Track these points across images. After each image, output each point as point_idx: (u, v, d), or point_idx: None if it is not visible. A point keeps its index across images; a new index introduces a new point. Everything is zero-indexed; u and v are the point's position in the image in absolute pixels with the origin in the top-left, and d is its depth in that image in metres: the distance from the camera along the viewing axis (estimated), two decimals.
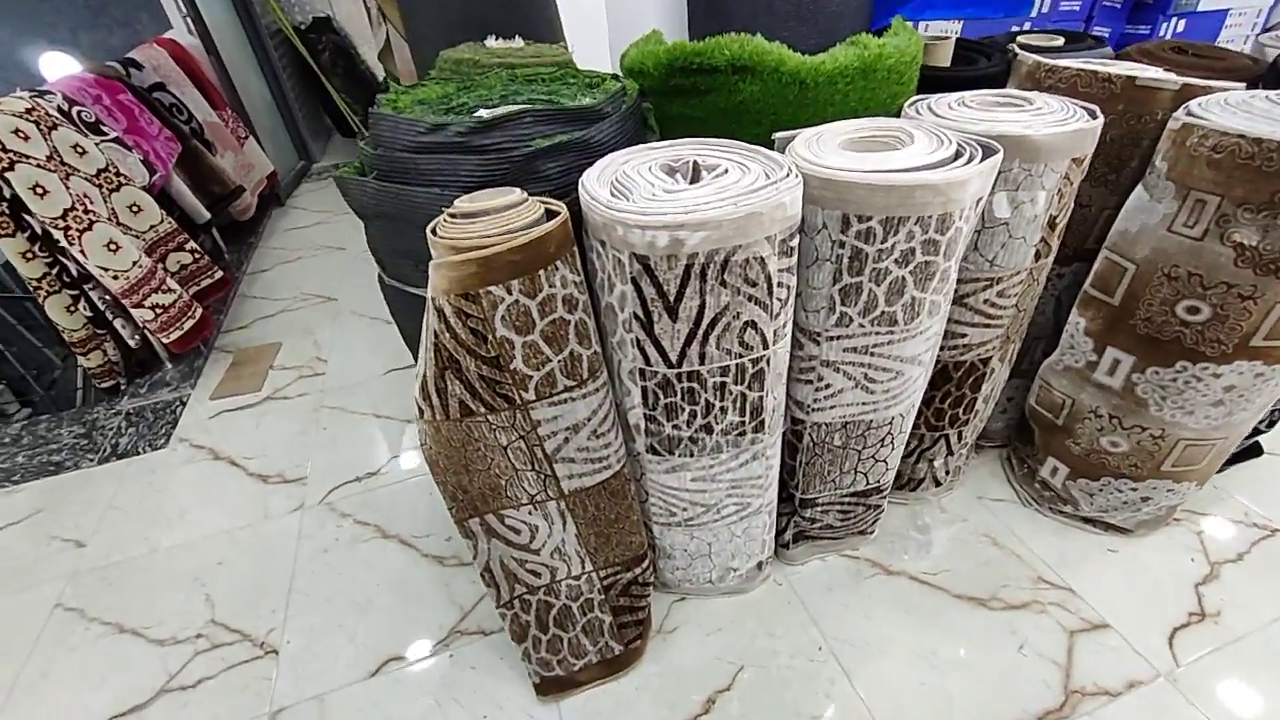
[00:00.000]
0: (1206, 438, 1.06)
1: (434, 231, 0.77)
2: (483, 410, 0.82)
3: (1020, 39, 1.34)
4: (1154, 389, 1.03)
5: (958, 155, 0.81)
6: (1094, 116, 0.90)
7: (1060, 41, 1.31)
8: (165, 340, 1.78)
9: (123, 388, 1.86)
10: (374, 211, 0.99)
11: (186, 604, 1.21)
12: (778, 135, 0.92)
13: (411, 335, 1.18)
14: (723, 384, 0.86)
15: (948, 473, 1.31)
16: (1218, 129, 0.85)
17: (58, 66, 2.30)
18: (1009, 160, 0.87)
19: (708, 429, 0.91)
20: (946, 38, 1.21)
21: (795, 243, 0.80)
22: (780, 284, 0.80)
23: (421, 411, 0.83)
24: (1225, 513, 1.28)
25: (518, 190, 0.79)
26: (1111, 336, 1.06)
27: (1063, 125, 0.88)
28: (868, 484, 1.12)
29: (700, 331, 0.80)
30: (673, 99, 1.03)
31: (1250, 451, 1.36)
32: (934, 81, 1.10)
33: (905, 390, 0.98)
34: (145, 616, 1.20)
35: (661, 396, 0.87)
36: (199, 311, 1.86)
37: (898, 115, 1.01)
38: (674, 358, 0.82)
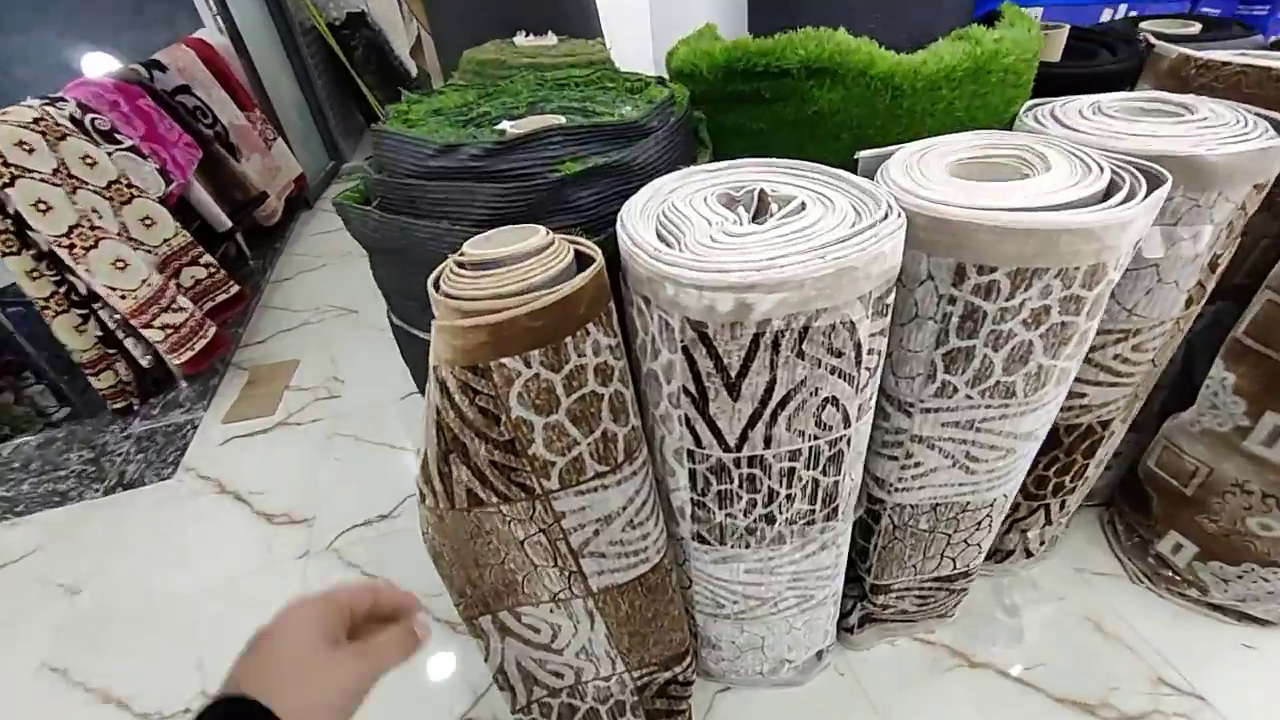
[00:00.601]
0: None
1: (436, 285, 0.62)
2: (495, 500, 0.67)
3: (1145, 26, 1.12)
4: None
5: (1112, 187, 0.62)
6: None
7: (1196, 28, 1.08)
8: (176, 362, 1.69)
9: (136, 408, 1.78)
10: (377, 245, 0.85)
11: (177, 670, 1.11)
12: (863, 155, 0.75)
13: (422, 380, 1.04)
14: (791, 469, 0.69)
15: (1042, 543, 1.11)
16: None
17: (97, 67, 2.24)
18: (1170, 188, 0.68)
19: (769, 519, 0.74)
20: (1059, 26, 1.00)
21: (892, 299, 0.62)
22: (870, 350, 0.63)
23: (423, 497, 0.69)
24: None
25: (542, 230, 0.63)
26: (1273, 400, 0.85)
27: (1243, 142, 0.67)
28: (954, 569, 0.94)
29: (767, 412, 0.63)
30: (730, 108, 0.86)
31: None
32: (1046, 81, 0.90)
33: (1013, 469, 0.80)
34: (132, 683, 1.10)
35: (714, 482, 0.71)
36: (212, 330, 1.77)
37: (1011, 127, 0.82)
38: (732, 440, 0.66)
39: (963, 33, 0.77)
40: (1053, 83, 0.92)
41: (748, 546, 0.78)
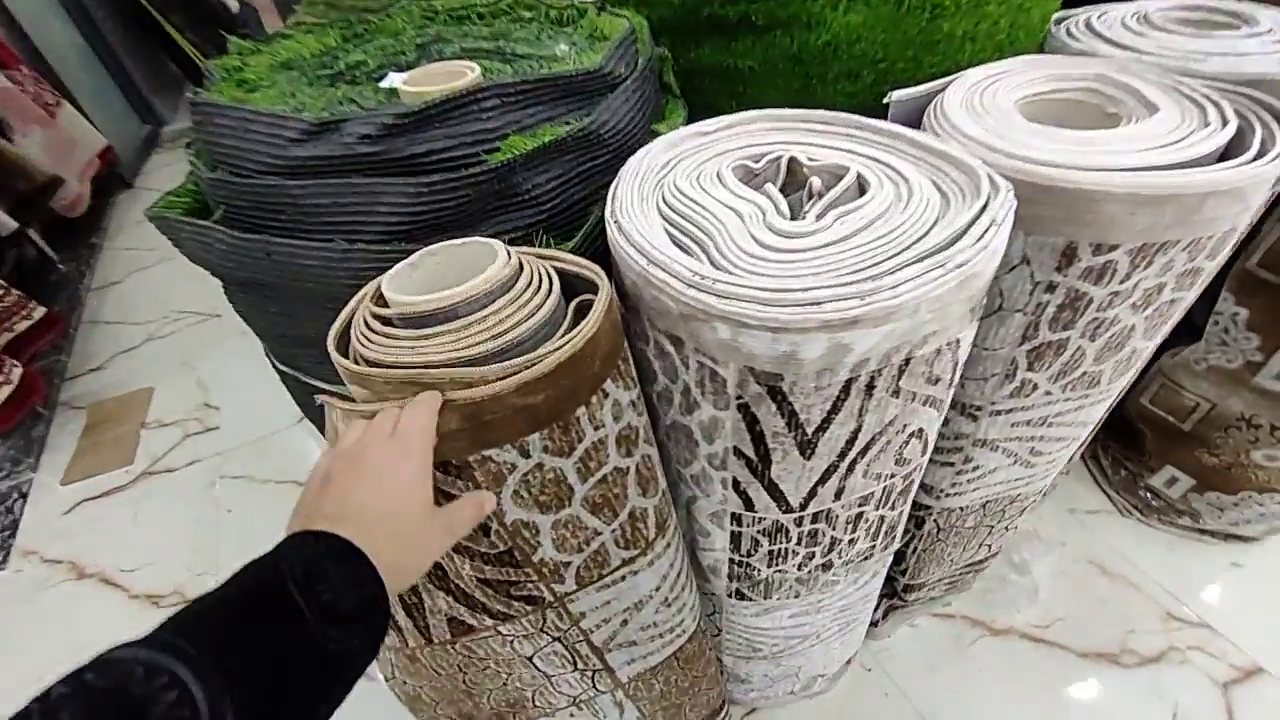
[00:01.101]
0: None
1: (344, 348, 0.40)
2: (490, 622, 0.48)
3: None
4: None
5: (1241, 131, 0.48)
6: None
7: None
8: None
9: None
10: (233, 276, 0.58)
11: None
12: (897, 96, 0.57)
13: (321, 422, 0.79)
14: (859, 515, 0.55)
15: (1044, 494, 1.07)
16: None
17: None
18: None
19: (826, 566, 0.60)
20: None
21: (985, 296, 0.47)
22: (962, 363, 0.48)
23: None
24: None
25: (500, 249, 0.41)
26: None
27: None
28: (989, 553, 0.86)
29: (844, 464, 0.47)
30: (705, 41, 0.65)
31: None
32: None
33: (1072, 452, 0.70)
34: None
35: (764, 543, 0.55)
36: (16, 372, 1.35)
37: (1043, 48, 0.67)
38: (796, 502, 0.50)
39: None
40: None
41: (797, 596, 0.64)
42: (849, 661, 0.91)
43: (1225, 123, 0.48)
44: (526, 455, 0.39)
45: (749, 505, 0.51)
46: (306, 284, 0.52)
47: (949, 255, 0.38)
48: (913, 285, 0.37)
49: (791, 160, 0.50)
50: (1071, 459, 1.02)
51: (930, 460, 0.68)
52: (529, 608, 0.48)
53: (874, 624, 0.95)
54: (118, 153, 2.44)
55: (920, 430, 0.49)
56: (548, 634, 0.52)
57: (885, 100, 0.58)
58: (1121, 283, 0.49)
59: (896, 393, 0.43)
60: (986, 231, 0.40)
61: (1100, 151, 0.47)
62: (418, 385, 0.36)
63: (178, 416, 1.51)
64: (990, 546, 0.85)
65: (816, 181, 0.48)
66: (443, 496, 0.39)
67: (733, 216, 0.45)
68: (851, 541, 0.58)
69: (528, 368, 0.35)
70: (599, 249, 0.50)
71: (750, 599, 0.64)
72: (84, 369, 1.68)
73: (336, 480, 0.33)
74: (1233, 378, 0.88)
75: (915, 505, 0.74)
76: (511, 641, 0.51)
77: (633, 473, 0.45)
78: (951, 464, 0.66)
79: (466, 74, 0.60)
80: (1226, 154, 0.47)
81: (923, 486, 0.71)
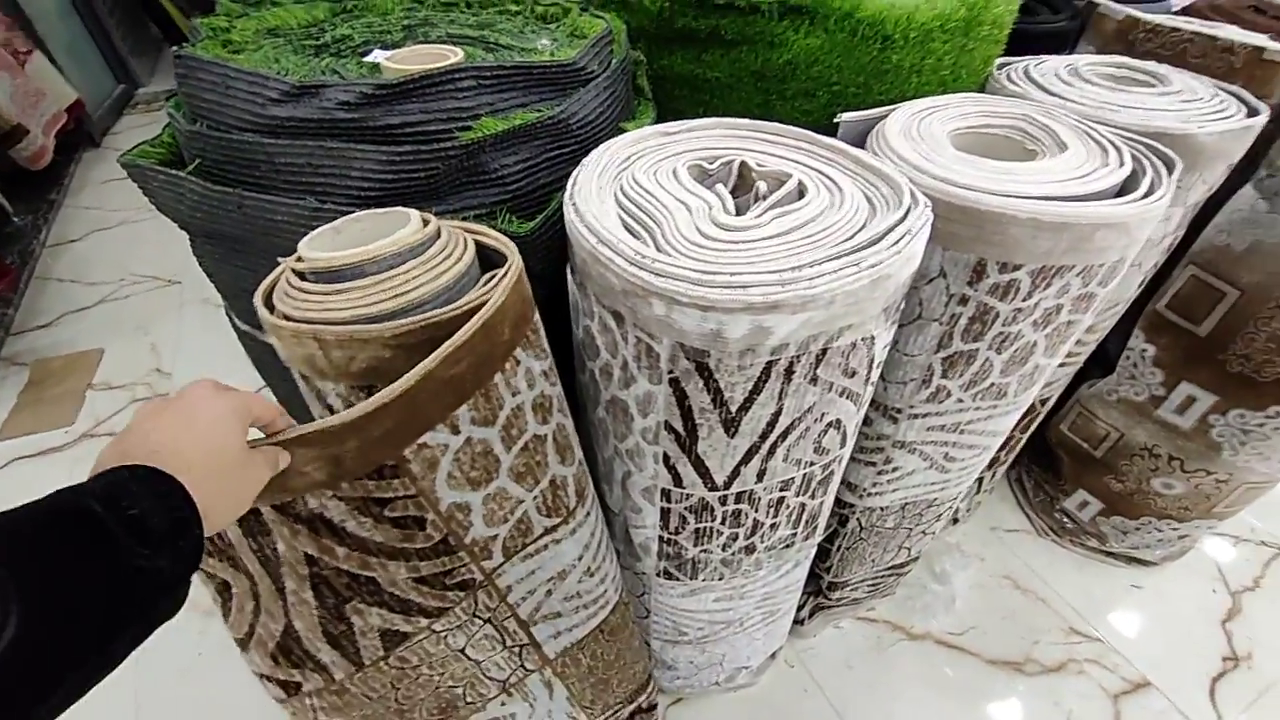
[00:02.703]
0: (1271, 480, 0.93)
1: (270, 305, 0.42)
2: (425, 623, 0.50)
3: None
4: (1234, 433, 0.88)
5: (1134, 174, 0.55)
6: (1253, 112, 0.67)
7: None
8: None
9: None
10: (201, 228, 0.60)
11: None
12: (846, 117, 0.62)
13: (285, 396, 0.80)
14: (780, 499, 0.59)
15: (968, 509, 1.13)
16: None
17: None
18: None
19: (749, 549, 0.64)
20: None
21: (903, 303, 0.52)
22: (880, 362, 0.53)
23: (294, 688, 0.50)
24: (1234, 529, 1.21)
25: (415, 216, 0.45)
26: (1189, 371, 0.88)
27: (1224, 120, 0.64)
28: (909, 557, 0.92)
29: (766, 445, 0.51)
30: (678, 49, 0.69)
31: None
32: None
33: (982, 463, 0.76)
34: None
35: (691, 520, 0.59)
36: None
37: (984, 87, 0.73)
38: (721, 479, 0.54)
39: None
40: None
41: (721, 578, 0.68)
42: (773, 656, 0.95)
43: (1122, 164, 0.54)
44: (457, 431, 0.41)
45: (678, 481, 0.55)
46: (275, 239, 0.54)
47: (864, 256, 0.43)
48: (829, 279, 0.41)
49: (742, 164, 0.55)
50: (995, 475, 1.09)
51: (854, 459, 0.73)
52: (462, 594, 0.50)
53: (800, 623, 0.99)
54: (88, 110, 2.38)
55: (838, 421, 0.54)
56: (479, 618, 0.53)
57: (836, 120, 0.63)
58: (1024, 300, 0.54)
59: (814, 380, 0.48)
60: (901, 239, 0.44)
61: (1013, 181, 0.52)
62: (319, 341, 0.38)
63: (127, 380, 1.48)
64: (910, 550, 0.90)
65: (762, 185, 0.53)
66: (376, 506, 0.41)
67: (682, 209, 0.49)
68: (773, 526, 0.62)
69: (459, 339, 0.37)
70: (558, 232, 0.53)
71: (677, 578, 0.68)
72: (31, 325, 1.63)
73: (142, 423, 0.31)
74: (1139, 410, 0.96)
75: (840, 503, 0.79)
76: (445, 637, 0.52)
77: (550, 440, 0.48)
78: (874, 463, 0.71)
79: (449, 57, 0.63)
80: (1122, 192, 0.54)
81: (847, 485, 0.76)
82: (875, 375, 0.54)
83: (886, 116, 0.61)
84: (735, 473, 0.53)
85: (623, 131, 0.63)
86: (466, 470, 0.43)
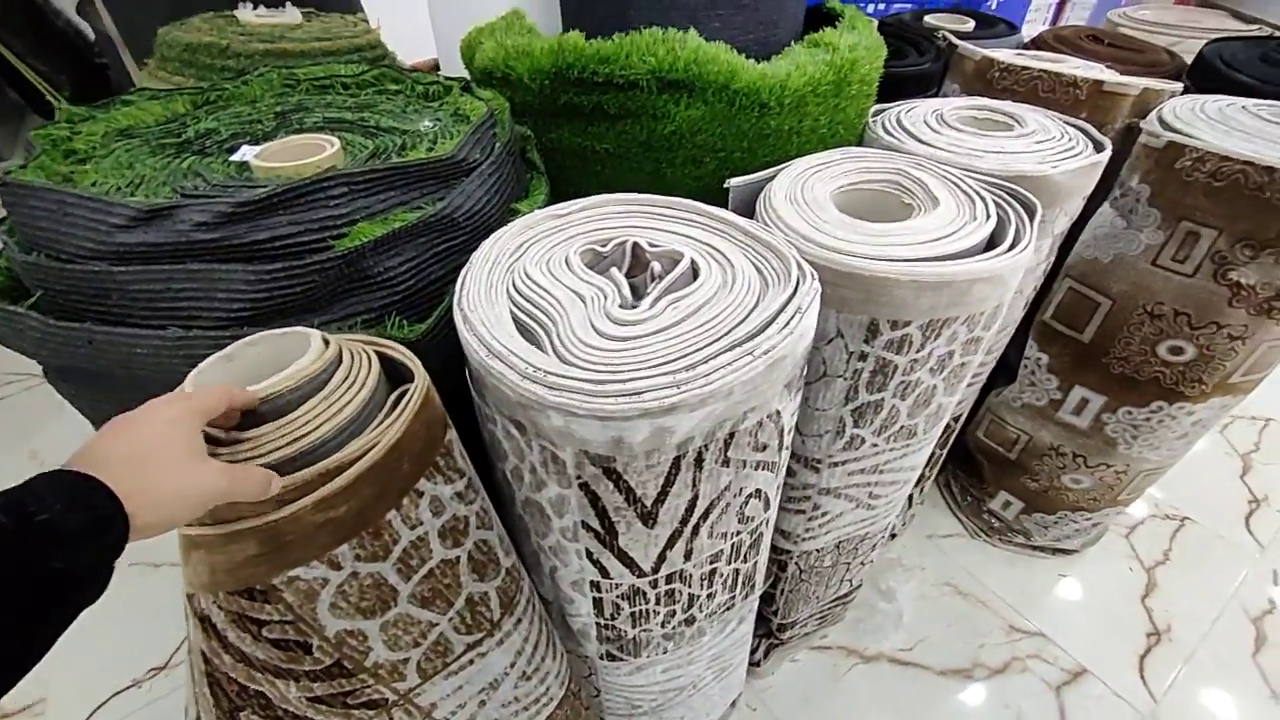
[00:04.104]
0: (1162, 466, 1.01)
1: None
2: None
3: (929, 20, 1.17)
4: (1125, 428, 0.94)
5: (1000, 223, 0.58)
6: (1097, 143, 0.73)
7: (971, 25, 1.15)
8: None
9: None
10: (53, 364, 0.54)
11: None
12: (734, 183, 0.63)
13: None
14: (713, 571, 0.58)
15: (904, 524, 1.17)
16: (1217, 152, 0.72)
17: None
18: None
19: (689, 620, 0.63)
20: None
21: (804, 368, 0.53)
22: (790, 429, 0.53)
23: None
24: (1140, 508, 1.30)
25: (315, 338, 0.42)
26: (1080, 375, 0.95)
27: (1075, 158, 0.69)
28: (851, 587, 0.93)
29: (688, 529, 0.51)
30: (565, 123, 0.69)
31: None
32: None
33: (906, 492, 0.78)
34: None
35: (625, 606, 0.58)
36: None
37: (861, 140, 0.77)
38: (648, 566, 0.53)
39: (816, 38, 0.69)
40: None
41: (666, 652, 0.66)
42: (733, 704, 0.94)
43: (989, 217, 0.57)
44: (338, 567, 0.39)
45: (605, 574, 0.53)
46: (138, 372, 0.50)
47: (758, 343, 0.43)
48: (724, 372, 0.41)
49: (635, 245, 0.54)
50: (923, 490, 1.12)
51: (784, 510, 0.73)
52: (372, 712, 0.47)
53: (756, 664, 0.99)
54: None
55: (758, 491, 0.54)
56: None
57: (725, 185, 0.64)
58: (918, 352, 0.56)
59: (726, 463, 0.47)
60: (791, 319, 0.45)
61: (893, 243, 0.54)
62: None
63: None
64: (851, 581, 0.92)
65: (656, 266, 0.53)
66: (253, 625, 0.38)
67: (576, 303, 0.48)
68: (710, 595, 0.61)
69: (328, 487, 0.35)
70: (453, 330, 0.51)
71: (621, 659, 0.66)
72: None
73: (96, 436, 0.32)
74: (1041, 413, 1.02)
75: (777, 551, 0.79)
76: None
77: (464, 562, 0.46)
78: (803, 511, 0.72)
79: (325, 147, 0.60)
80: (992, 241, 0.57)
81: (781, 533, 0.76)
82: (789, 441, 0.54)
83: (773, 179, 0.63)
84: (661, 558, 0.52)
85: (515, 213, 0.62)
86: (355, 601, 0.40)
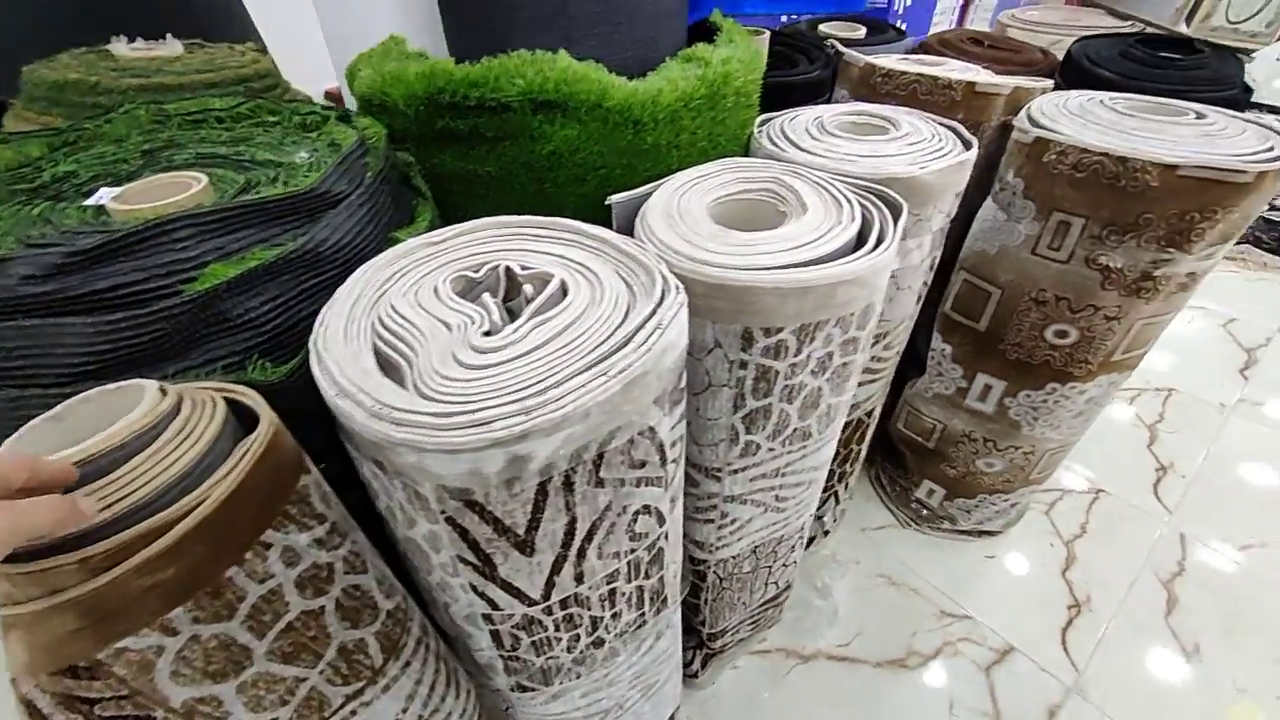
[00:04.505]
0: (1067, 444, 1.05)
1: None
2: None
3: (823, 28, 1.21)
4: (1026, 410, 0.98)
5: (865, 224, 0.60)
6: (966, 142, 0.76)
7: (862, 32, 1.20)
8: None
9: None
10: None
11: None
12: (615, 200, 0.64)
13: None
14: (612, 590, 0.58)
15: (835, 520, 1.19)
16: (1076, 144, 0.77)
17: None
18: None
19: (598, 643, 0.63)
20: (760, 32, 1.01)
21: (684, 380, 0.53)
22: (674, 442, 0.54)
23: None
24: (1059, 481, 1.35)
25: (150, 390, 0.40)
26: (980, 363, 0.98)
27: (944, 158, 0.72)
28: (778, 589, 0.94)
29: (573, 552, 0.50)
30: (446, 148, 0.68)
31: None
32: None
33: (815, 492, 0.79)
34: None
35: (524, 636, 0.57)
36: None
37: (748, 150, 0.78)
38: (537, 594, 0.52)
39: (689, 53, 0.70)
40: (765, 92, 0.92)
41: (579, 677, 0.66)
42: (671, 719, 0.94)
43: (854, 219, 0.59)
44: (173, 633, 0.36)
45: (494, 605, 0.52)
46: None
47: (612, 362, 0.43)
48: (578, 395, 0.41)
49: (508, 269, 0.54)
50: (846, 486, 1.14)
51: (694, 520, 0.74)
52: None
53: (694, 675, 0.99)
54: None
55: (647, 507, 0.54)
56: None
57: (606, 203, 0.65)
58: (796, 356, 0.57)
59: (600, 483, 0.47)
60: (650, 336, 0.45)
61: (762, 252, 0.55)
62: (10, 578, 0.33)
63: None
64: (778, 584, 0.93)
65: (529, 289, 0.53)
66: (83, 705, 0.35)
67: (441, 331, 0.47)
68: (615, 615, 0.61)
69: (151, 550, 0.33)
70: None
71: (533, 689, 0.65)
72: None
73: None
74: (951, 402, 1.05)
75: (695, 561, 0.80)
76: None
77: (331, 611, 0.44)
78: (713, 521, 0.73)
79: (192, 185, 0.58)
80: (860, 242, 0.58)
81: (695, 544, 0.76)
82: (675, 454, 0.54)
83: (653, 193, 0.64)
84: (550, 584, 0.52)
85: (395, 242, 0.61)
86: (200, 666, 0.38)
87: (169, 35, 0.96)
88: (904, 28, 1.25)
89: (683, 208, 0.61)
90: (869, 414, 0.98)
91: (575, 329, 0.47)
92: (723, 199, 0.64)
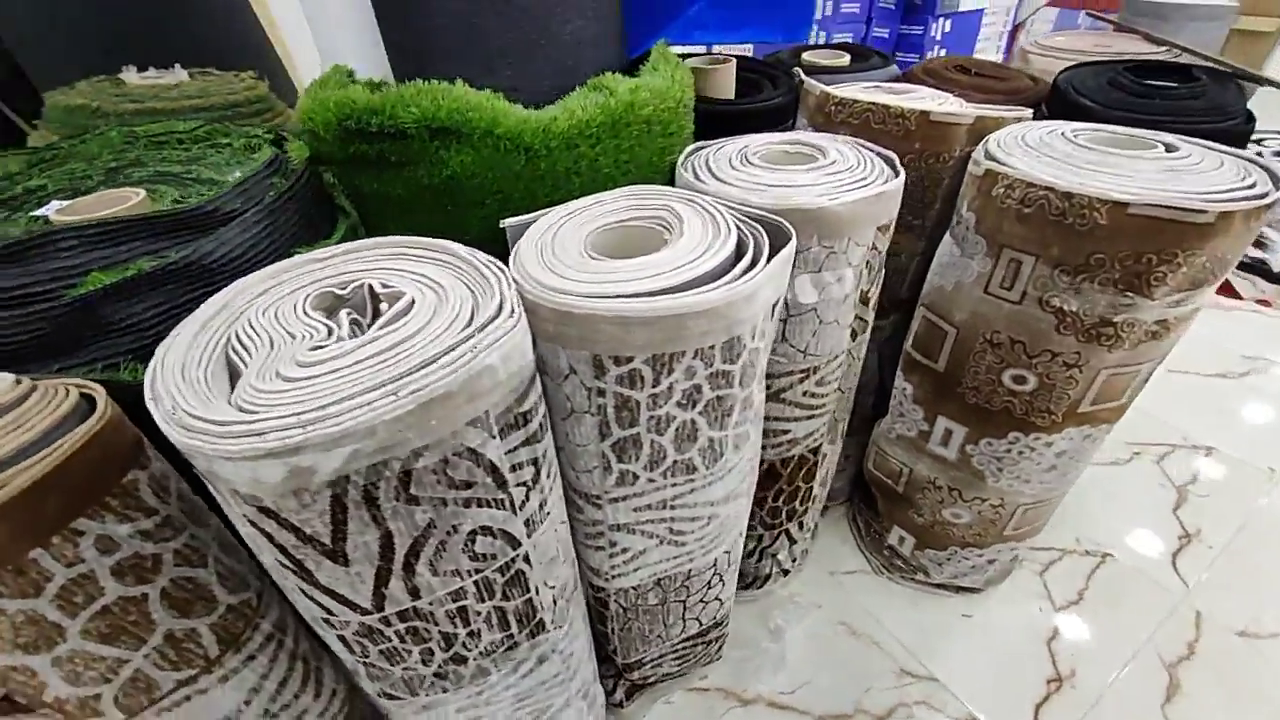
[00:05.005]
0: (1043, 499, 0.97)
1: None
2: None
3: (806, 56, 1.19)
4: (989, 460, 0.91)
5: (739, 249, 0.58)
6: (896, 172, 0.73)
7: (846, 60, 1.17)
8: None
9: None
10: None
11: None
12: (508, 223, 0.65)
13: None
14: (461, 608, 0.58)
15: (794, 560, 1.14)
16: (1023, 178, 0.72)
17: None
18: (805, 239, 0.68)
19: (458, 659, 0.63)
20: (725, 60, 1.01)
21: (531, 405, 0.53)
22: (517, 466, 0.53)
23: None
24: (1059, 540, 1.24)
25: (4, 379, 0.44)
26: (941, 405, 0.93)
27: (862, 188, 0.69)
28: (702, 626, 0.91)
29: (397, 566, 0.51)
30: (361, 171, 0.72)
31: None
32: (712, 119, 0.89)
33: (724, 530, 0.77)
34: None
35: (370, 644, 0.57)
36: None
37: (672, 178, 0.78)
38: (367, 604, 0.53)
39: (598, 82, 0.71)
40: (720, 120, 0.91)
41: (446, 691, 0.66)
42: None
43: (727, 246, 0.58)
44: None
45: (328, 611, 0.53)
46: None
47: (407, 382, 0.44)
48: (361, 412, 0.42)
49: (370, 286, 0.56)
50: (804, 528, 1.09)
51: (586, 546, 0.73)
52: None
53: (619, 705, 0.96)
54: None
55: (486, 528, 0.54)
56: None
57: (502, 224, 0.66)
58: (654, 387, 0.56)
59: (413, 500, 0.48)
60: (461, 359, 0.46)
61: (621, 279, 0.55)
62: None
63: None
64: (700, 621, 0.89)
65: (384, 306, 0.54)
66: None
67: (284, 343, 0.49)
68: (473, 635, 0.61)
69: None
70: None
71: (399, 698, 0.65)
72: None
73: None
74: (914, 445, 0.99)
75: (593, 587, 0.78)
76: None
77: (155, 599, 0.47)
78: (602, 548, 0.71)
79: (130, 199, 0.64)
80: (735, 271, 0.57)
81: (591, 570, 0.75)
82: (520, 477, 0.54)
83: (540, 218, 0.65)
84: (379, 595, 0.52)
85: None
86: (9, 637, 0.41)
87: (177, 65, 1.06)
88: (885, 37, 1.21)
89: (560, 234, 0.62)
90: (814, 450, 0.93)
91: (402, 347, 0.48)
92: (610, 226, 0.64)
